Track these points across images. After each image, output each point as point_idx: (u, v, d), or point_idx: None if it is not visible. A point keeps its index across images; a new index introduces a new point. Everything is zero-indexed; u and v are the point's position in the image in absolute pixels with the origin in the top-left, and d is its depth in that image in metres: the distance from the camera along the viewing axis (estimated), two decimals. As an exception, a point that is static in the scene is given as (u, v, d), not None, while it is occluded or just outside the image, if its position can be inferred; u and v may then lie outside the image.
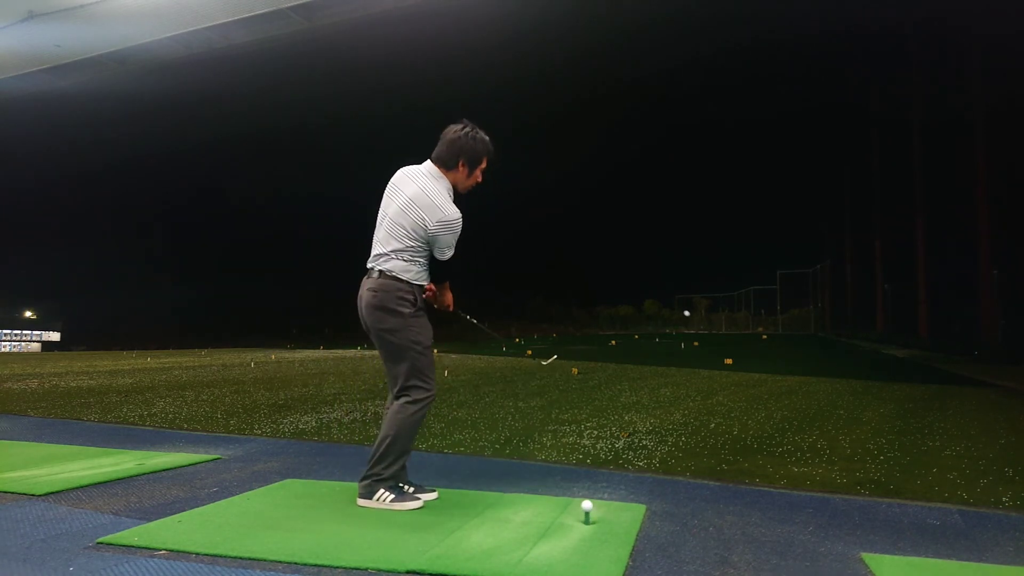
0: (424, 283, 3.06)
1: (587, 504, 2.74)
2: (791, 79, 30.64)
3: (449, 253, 3.01)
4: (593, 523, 2.69)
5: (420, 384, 3.00)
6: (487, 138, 3.10)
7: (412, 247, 2.97)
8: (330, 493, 3.23)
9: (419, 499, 2.97)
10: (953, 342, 15.82)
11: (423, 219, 2.95)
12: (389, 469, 2.95)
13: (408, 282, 2.99)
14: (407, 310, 2.97)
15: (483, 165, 3.09)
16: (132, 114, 34.52)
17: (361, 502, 2.95)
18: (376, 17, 10.93)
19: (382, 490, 2.93)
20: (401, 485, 3.04)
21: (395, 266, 2.98)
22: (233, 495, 3.21)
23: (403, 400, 3.00)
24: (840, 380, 9.06)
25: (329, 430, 5.32)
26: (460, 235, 3.02)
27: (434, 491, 3.13)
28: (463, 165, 3.04)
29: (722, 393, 7.68)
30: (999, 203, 14.57)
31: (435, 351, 3.18)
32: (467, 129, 3.05)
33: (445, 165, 3.04)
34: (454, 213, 2.97)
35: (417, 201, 2.97)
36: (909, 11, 18.65)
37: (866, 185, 24.98)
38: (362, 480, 2.99)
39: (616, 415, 5.93)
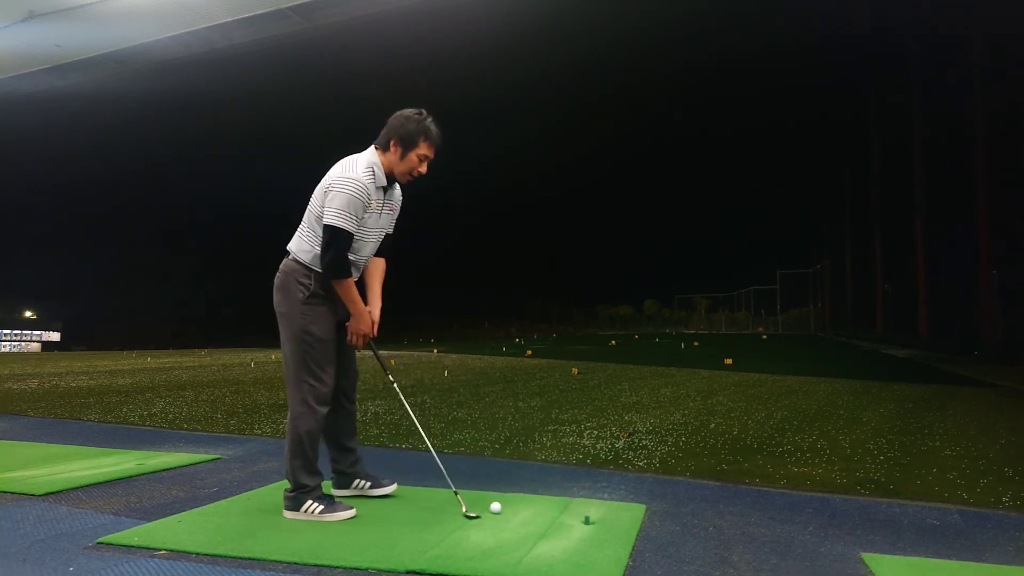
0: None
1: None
2: (792, 81, 30.66)
3: (333, 219, 2.70)
4: (593, 523, 2.69)
5: (308, 380, 2.80)
6: (430, 123, 2.83)
7: (315, 228, 2.81)
8: (330, 493, 3.21)
9: (351, 509, 2.79)
10: (953, 342, 15.83)
11: (323, 188, 2.79)
12: (302, 479, 2.79)
13: (306, 265, 2.83)
14: (300, 295, 2.82)
15: (420, 150, 2.82)
16: (132, 114, 34.56)
17: (287, 514, 2.79)
18: (376, 17, 10.94)
19: (309, 501, 2.77)
20: (335, 491, 2.83)
21: (296, 246, 2.87)
22: (233, 495, 3.21)
23: (291, 402, 2.85)
24: (840, 380, 9.06)
25: (329, 430, 5.30)
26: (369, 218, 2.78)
27: (392, 484, 3.11)
28: (395, 145, 2.81)
29: (722, 393, 7.68)
30: (999, 203, 14.58)
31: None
32: (409, 112, 2.85)
33: (380, 145, 2.86)
34: (354, 176, 2.73)
35: (326, 177, 2.82)
36: (911, 13, 18.67)
37: (866, 185, 24.99)
38: (286, 491, 2.83)
39: (616, 415, 5.93)
